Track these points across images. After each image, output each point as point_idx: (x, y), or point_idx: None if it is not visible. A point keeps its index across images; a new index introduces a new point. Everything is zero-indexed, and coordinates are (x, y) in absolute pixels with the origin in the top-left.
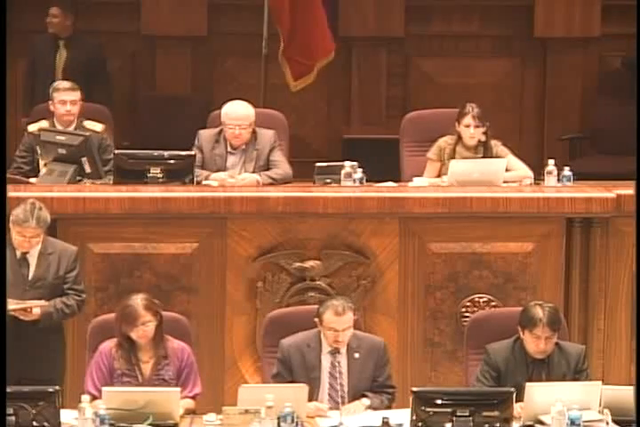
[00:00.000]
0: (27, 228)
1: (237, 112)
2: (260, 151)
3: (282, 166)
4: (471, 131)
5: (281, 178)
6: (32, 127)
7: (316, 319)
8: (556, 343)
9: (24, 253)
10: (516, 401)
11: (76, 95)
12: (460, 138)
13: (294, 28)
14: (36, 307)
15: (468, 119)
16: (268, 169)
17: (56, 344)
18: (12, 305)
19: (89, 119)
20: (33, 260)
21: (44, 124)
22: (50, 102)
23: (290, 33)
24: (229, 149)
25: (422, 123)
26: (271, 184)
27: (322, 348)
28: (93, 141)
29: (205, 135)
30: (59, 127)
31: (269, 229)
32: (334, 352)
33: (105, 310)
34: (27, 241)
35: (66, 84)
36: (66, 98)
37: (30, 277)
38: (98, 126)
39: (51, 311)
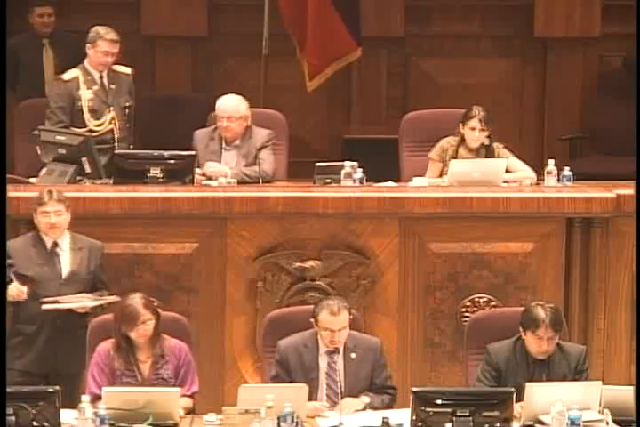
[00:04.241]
0: (47, 203)
1: (226, 104)
2: (253, 149)
3: (263, 165)
4: (476, 134)
5: (255, 175)
6: (67, 76)
7: (312, 320)
8: (557, 344)
9: (54, 247)
10: (517, 401)
11: (117, 47)
12: (462, 139)
13: (304, 31)
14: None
15: (474, 122)
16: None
17: (82, 340)
18: (89, 302)
19: (117, 63)
20: (64, 254)
21: (75, 72)
22: (88, 46)
23: (300, 35)
24: (224, 145)
25: (422, 123)
26: (246, 181)
27: (319, 348)
28: (124, 85)
29: (200, 134)
30: (92, 72)
31: (269, 229)
32: (331, 353)
33: (105, 310)
34: (52, 221)
35: (113, 35)
36: (109, 50)
37: (65, 273)
38: (127, 70)
39: (96, 306)
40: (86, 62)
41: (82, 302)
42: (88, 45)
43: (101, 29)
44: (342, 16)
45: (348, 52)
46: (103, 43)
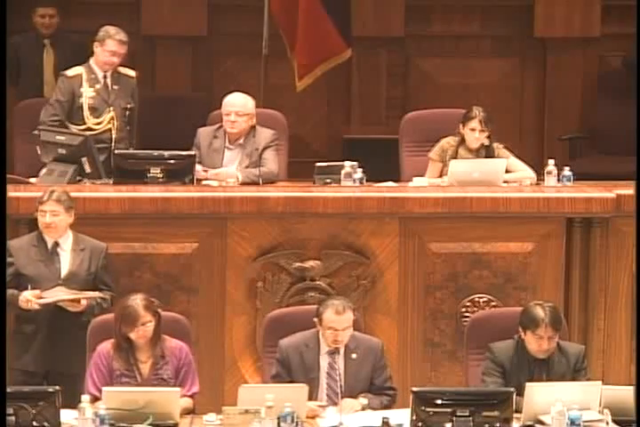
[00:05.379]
0: (45, 204)
1: (235, 99)
2: (256, 149)
3: (267, 165)
4: (476, 135)
5: (261, 176)
6: (70, 72)
7: (316, 319)
8: (557, 343)
9: (55, 247)
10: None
11: (125, 49)
12: (462, 140)
13: (294, 31)
14: (84, 299)
15: (474, 123)
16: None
17: (83, 340)
18: (65, 295)
19: (122, 65)
20: (65, 254)
21: (79, 69)
22: (96, 43)
23: (291, 35)
24: (227, 144)
25: (422, 123)
26: (253, 182)
27: (320, 348)
28: (127, 87)
29: (204, 132)
30: (96, 70)
31: (269, 229)
32: (332, 353)
33: (105, 311)
34: (51, 221)
35: (122, 35)
36: (116, 50)
37: (64, 273)
38: (131, 72)
39: (93, 304)
40: (92, 61)
41: (58, 295)
42: (96, 43)
43: (111, 29)
44: (331, 17)
45: (337, 53)
46: (112, 42)
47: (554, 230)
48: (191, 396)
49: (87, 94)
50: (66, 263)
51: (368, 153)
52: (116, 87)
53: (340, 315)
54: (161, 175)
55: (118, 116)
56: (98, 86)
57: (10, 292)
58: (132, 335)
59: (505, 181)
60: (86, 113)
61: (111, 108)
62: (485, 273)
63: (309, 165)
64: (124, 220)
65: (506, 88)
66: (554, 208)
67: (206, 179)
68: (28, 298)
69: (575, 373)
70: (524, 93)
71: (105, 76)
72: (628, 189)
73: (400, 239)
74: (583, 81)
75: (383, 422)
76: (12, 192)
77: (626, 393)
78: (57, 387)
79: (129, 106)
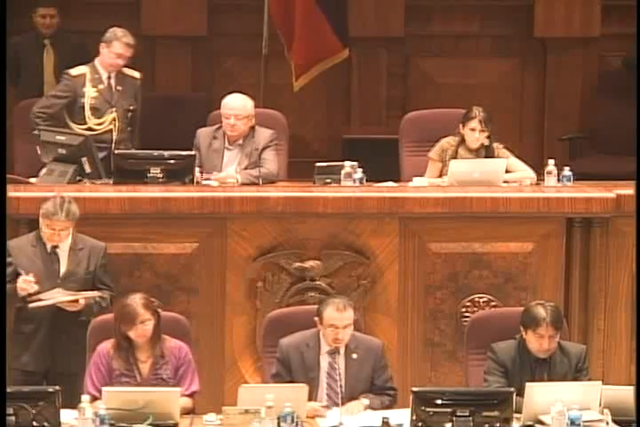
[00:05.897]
0: (56, 221)
1: (233, 102)
2: (255, 149)
3: (267, 165)
4: (476, 135)
5: (261, 176)
6: (75, 71)
7: (316, 318)
8: (558, 343)
9: (54, 248)
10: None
11: (131, 52)
12: (462, 140)
13: (291, 31)
14: (82, 298)
15: (474, 123)
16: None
17: (82, 340)
18: (63, 297)
19: (126, 66)
20: (63, 254)
21: (83, 69)
22: (103, 44)
23: (288, 35)
24: (227, 145)
25: (422, 123)
26: (253, 183)
27: (320, 348)
28: (130, 88)
29: (204, 133)
30: (100, 71)
31: (269, 229)
32: (333, 352)
33: (105, 310)
34: (56, 234)
35: (129, 38)
36: (123, 52)
37: (62, 272)
38: (136, 73)
39: (92, 304)
40: (97, 61)
41: (56, 297)
42: (102, 44)
43: (119, 31)
44: (328, 17)
45: (333, 53)
46: (118, 44)
47: (554, 230)
48: (190, 395)
49: (89, 94)
50: (64, 263)
51: (368, 153)
52: (119, 88)
53: (341, 312)
54: (161, 175)
55: (120, 117)
56: (101, 87)
57: (8, 287)
58: (132, 334)
59: (505, 181)
60: (87, 113)
61: (113, 109)
62: (485, 273)
63: (309, 165)
64: (124, 220)
65: (506, 88)
66: (554, 208)
67: (207, 179)
68: (26, 279)
69: (577, 373)
70: (524, 93)
71: (109, 77)
72: (628, 189)
73: (400, 239)
74: (583, 81)
75: (383, 422)
76: (12, 192)
77: (626, 393)
78: (57, 387)
79: (131, 107)
